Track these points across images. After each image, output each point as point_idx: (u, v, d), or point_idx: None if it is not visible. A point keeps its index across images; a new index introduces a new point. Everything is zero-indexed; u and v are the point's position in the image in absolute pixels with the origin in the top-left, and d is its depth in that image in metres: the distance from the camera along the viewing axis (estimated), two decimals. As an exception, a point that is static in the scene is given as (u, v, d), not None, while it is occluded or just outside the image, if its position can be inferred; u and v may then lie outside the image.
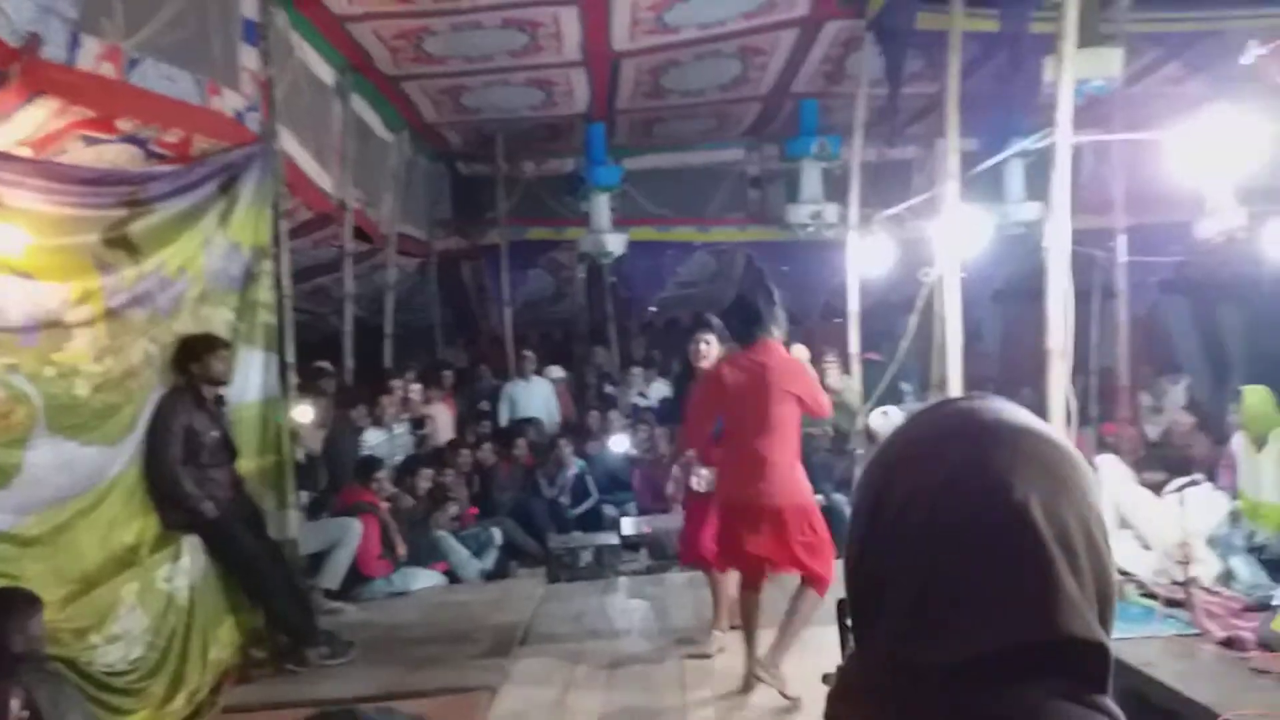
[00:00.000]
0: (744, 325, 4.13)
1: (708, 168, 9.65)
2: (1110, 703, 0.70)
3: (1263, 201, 7.46)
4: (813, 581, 4.08)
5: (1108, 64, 5.40)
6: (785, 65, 7.66)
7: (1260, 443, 4.88)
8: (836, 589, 3.75)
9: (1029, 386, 11.16)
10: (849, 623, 0.93)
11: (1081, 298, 4.52)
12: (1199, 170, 5.87)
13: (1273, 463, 4.72)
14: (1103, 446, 6.74)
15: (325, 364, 7.08)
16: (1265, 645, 3.70)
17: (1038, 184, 8.42)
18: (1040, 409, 10.35)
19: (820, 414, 4.33)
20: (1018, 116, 7.88)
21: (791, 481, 4.11)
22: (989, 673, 0.67)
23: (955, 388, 5.58)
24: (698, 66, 7.54)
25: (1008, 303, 10.53)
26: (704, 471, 4.48)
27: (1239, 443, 5.11)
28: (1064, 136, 4.00)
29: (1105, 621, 0.71)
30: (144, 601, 3.98)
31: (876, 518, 0.75)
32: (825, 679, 0.91)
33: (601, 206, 8.55)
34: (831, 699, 0.77)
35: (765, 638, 4.13)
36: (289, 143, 5.56)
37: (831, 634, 0.87)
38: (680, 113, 8.73)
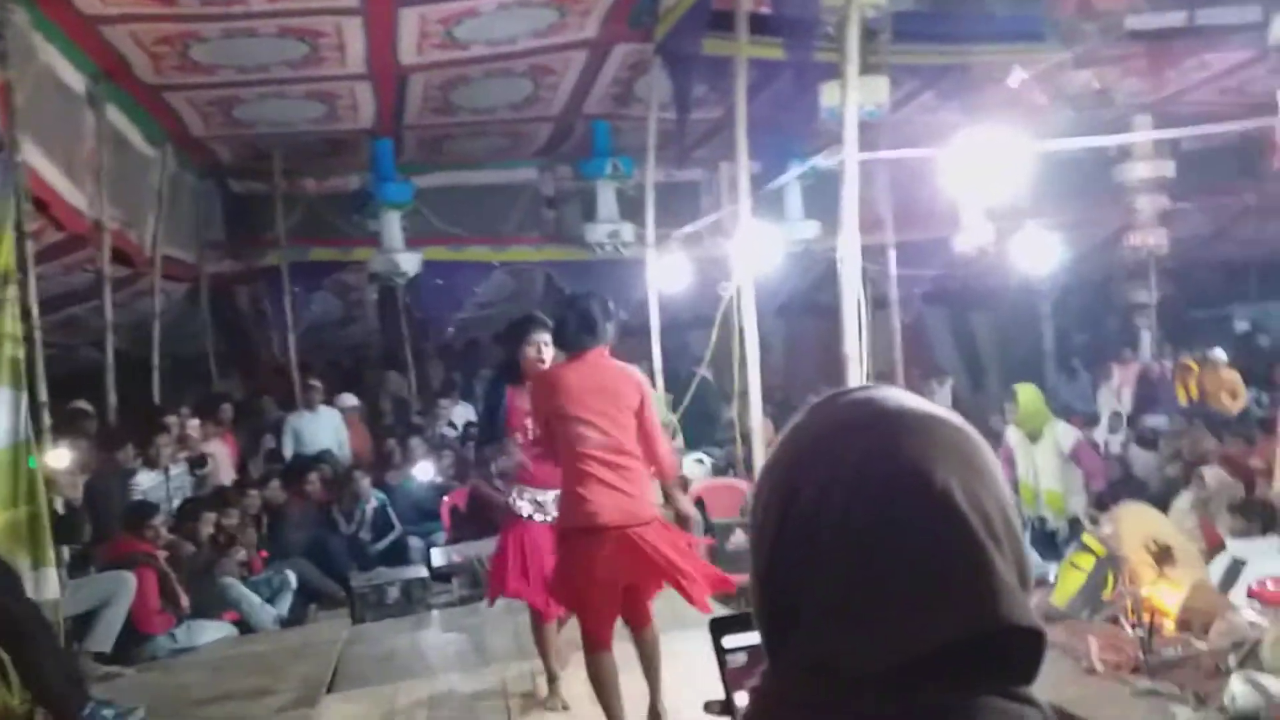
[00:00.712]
0: (578, 332, 3.58)
1: (502, 186, 9.53)
2: (1034, 694, 0.68)
3: (1007, 219, 8.32)
4: (690, 598, 3.50)
5: (877, 91, 5.81)
6: (576, 86, 7.71)
7: (1034, 436, 5.36)
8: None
9: (813, 392, 11.93)
10: (742, 642, 0.89)
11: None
12: (963, 187, 6.42)
13: (1049, 453, 5.20)
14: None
15: (82, 403, 6.37)
16: (1046, 619, 4.05)
17: (813, 204, 8.98)
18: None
19: (655, 445, 3.63)
20: (796, 140, 8.35)
21: (650, 495, 3.64)
22: (924, 673, 0.64)
23: (755, 396, 5.79)
24: (488, 84, 7.44)
25: (790, 316, 11.12)
26: (540, 496, 3.96)
27: (1013, 436, 5.60)
28: (851, 154, 4.24)
29: None
30: None
31: (784, 522, 0.70)
32: (708, 707, 0.88)
33: (393, 225, 8.24)
34: (747, 719, 0.73)
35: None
36: (33, 155, 4.96)
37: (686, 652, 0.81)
38: (471, 130, 8.59)
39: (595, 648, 3.49)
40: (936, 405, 0.74)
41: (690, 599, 3.50)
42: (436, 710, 4.37)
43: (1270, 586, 4.38)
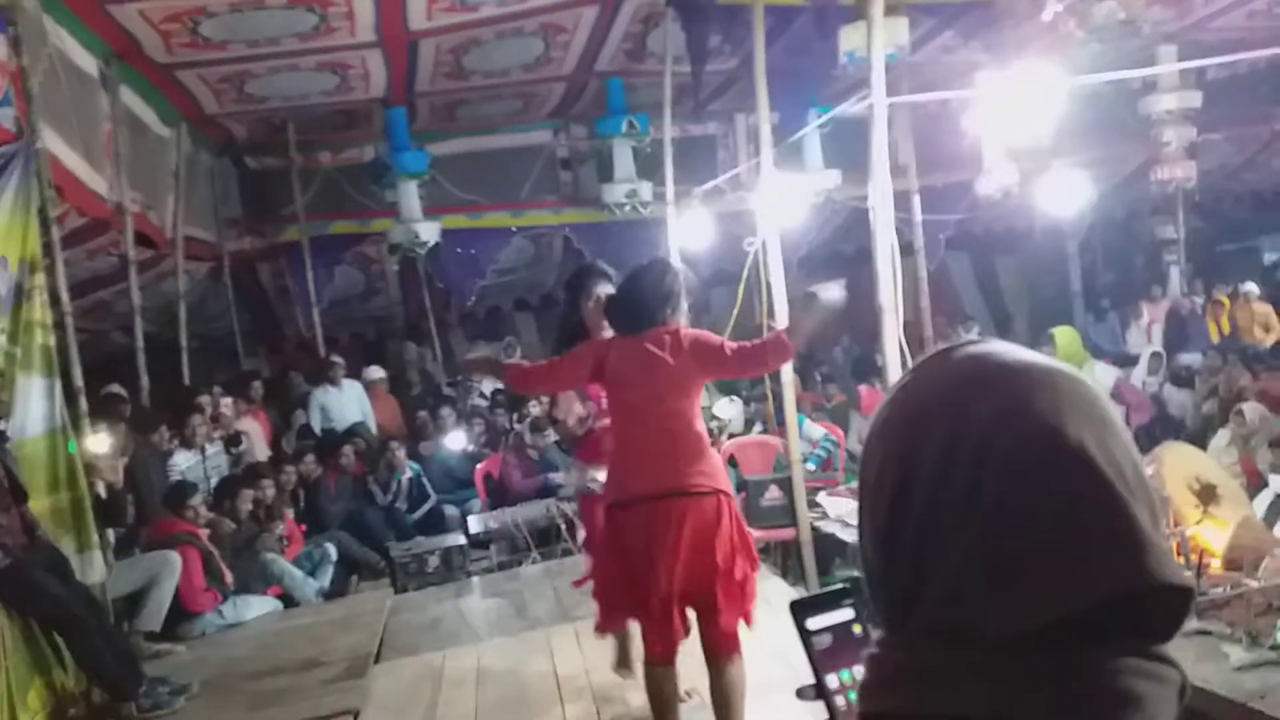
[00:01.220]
0: (626, 315, 3.16)
1: (516, 150, 9.43)
2: (1171, 654, 0.65)
3: (1031, 159, 8.16)
4: (726, 638, 3.01)
5: (897, 33, 5.67)
6: (588, 43, 7.58)
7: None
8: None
9: (841, 342, 11.85)
10: (827, 622, 0.87)
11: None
12: (988, 128, 6.29)
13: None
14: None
15: (115, 387, 6.42)
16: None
17: (832, 153, 8.85)
18: (863, 361, 10.86)
19: (747, 350, 3.09)
20: (813, 88, 8.21)
21: (712, 465, 3.11)
22: (1062, 636, 0.61)
23: (787, 352, 5.74)
24: (499, 45, 7.33)
25: (811, 269, 11.01)
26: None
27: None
28: (880, 99, 4.16)
29: None
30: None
31: (905, 485, 0.66)
32: (801, 694, 0.85)
33: (410, 194, 8.18)
34: (866, 692, 0.68)
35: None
36: (52, 141, 4.94)
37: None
38: (484, 94, 8.48)
39: (657, 660, 3.05)
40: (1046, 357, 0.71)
41: (712, 622, 3.00)
42: (485, 675, 4.41)
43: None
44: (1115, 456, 0.64)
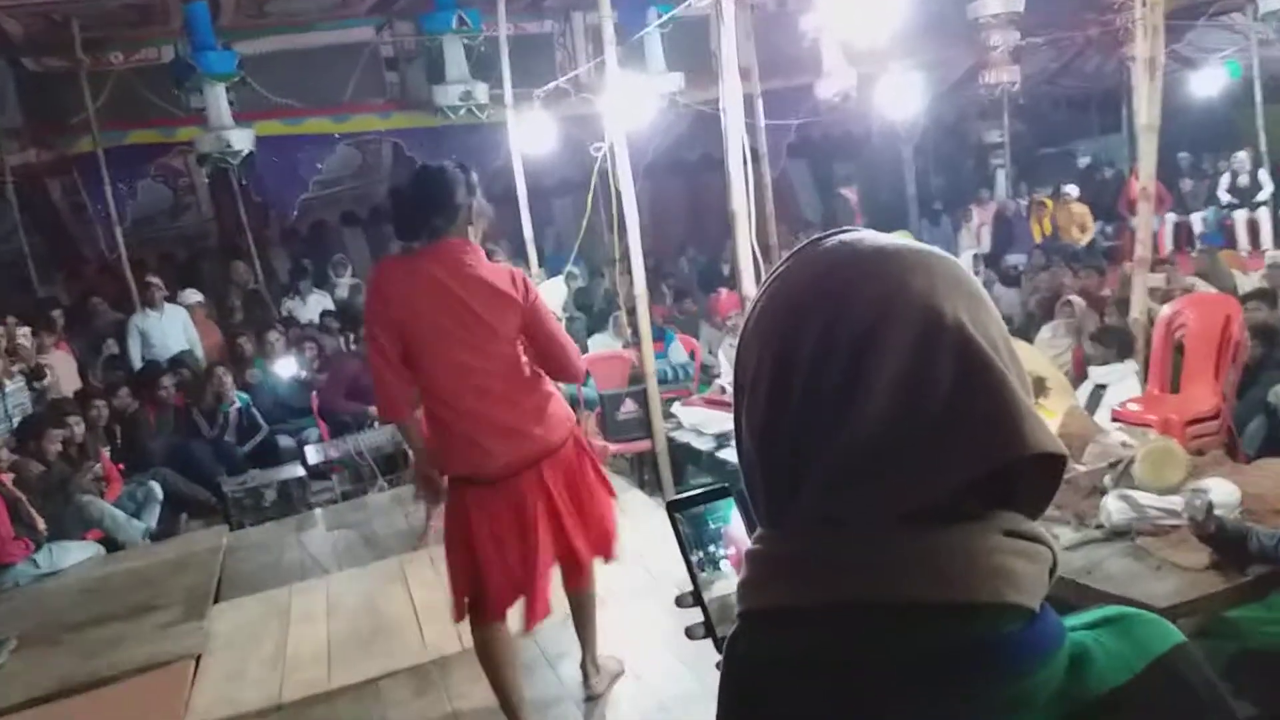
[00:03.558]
0: (416, 215, 2.68)
1: (336, 49, 8.70)
2: (1041, 531, 0.65)
3: (868, 63, 8.24)
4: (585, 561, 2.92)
5: (740, -73, 5.50)
6: (410, -72, 7.03)
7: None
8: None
9: (685, 253, 11.86)
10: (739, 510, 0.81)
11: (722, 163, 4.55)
12: (826, 29, 6.22)
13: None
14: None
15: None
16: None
17: (673, 55, 8.66)
18: (710, 270, 10.93)
19: (560, 354, 2.82)
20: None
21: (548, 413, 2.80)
22: (938, 517, 0.61)
23: (637, 261, 5.63)
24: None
25: (655, 176, 10.89)
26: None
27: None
28: (727, -4, 3.99)
29: None
30: None
31: (780, 379, 0.65)
32: (679, 601, 0.80)
33: (219, 99, 7.43)
34: (745, 589, 0.67)
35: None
36: None
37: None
38: (295, -14, 7.77)
39: (482, 618, 2.81)
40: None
41: (573, 562, 2.90)
42: (335, 607, 4.21)
43: (1131, 408, 4.65)
44: (990, 332, 0.64)
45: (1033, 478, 0.64)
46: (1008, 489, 0.63)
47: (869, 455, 0.61)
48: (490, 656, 2.84)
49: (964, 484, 0.61)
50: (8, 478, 5.13)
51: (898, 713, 0.59)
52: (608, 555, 2.96)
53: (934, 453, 0.61)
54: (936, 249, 0.69)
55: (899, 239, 0.69)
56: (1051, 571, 0.64)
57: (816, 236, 0.70)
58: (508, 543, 2.76)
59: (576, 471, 2.85)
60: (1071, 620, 0.65)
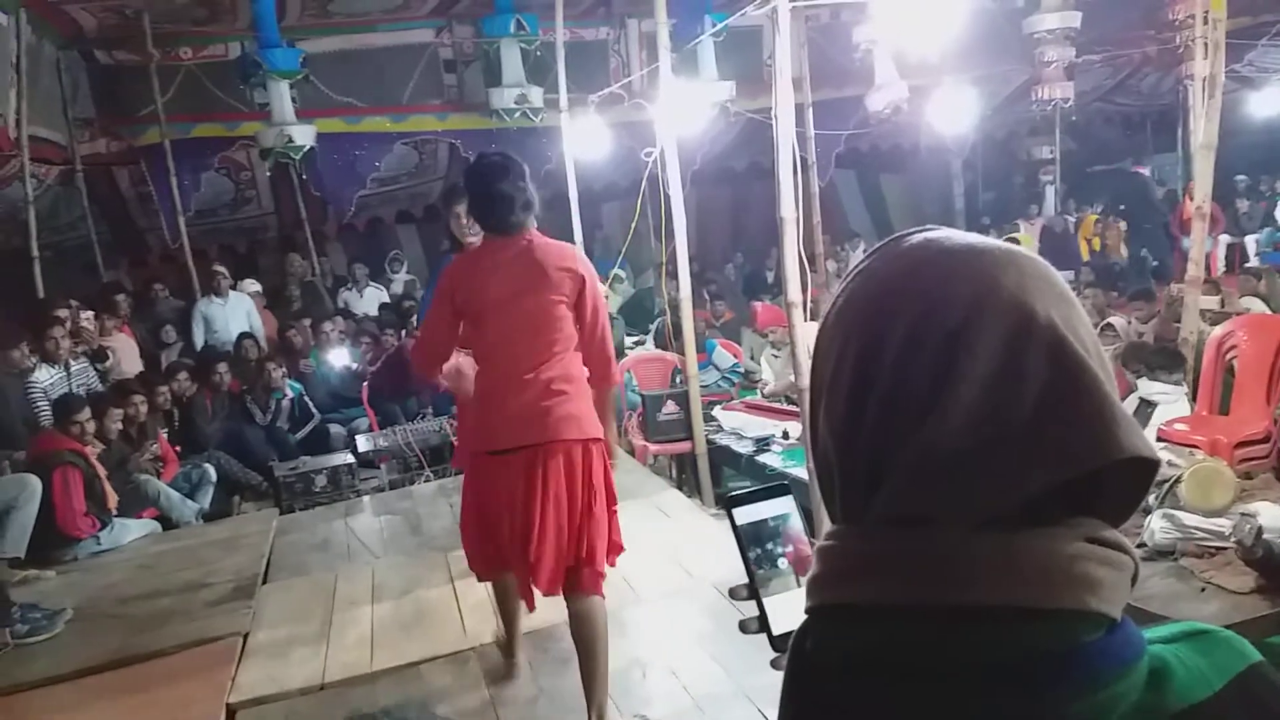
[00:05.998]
0: (495, 210, 2.85)
1: (396, 50, 8.90)
2: (1125, 539, 0.64)
3: (919, 76, 8.24)
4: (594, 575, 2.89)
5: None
6: (473, -65, 7.18)
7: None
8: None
9: (734, 260, 11.90)
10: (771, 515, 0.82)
11: (770, 172, 4.62)
12: (881, 40, 6.23)
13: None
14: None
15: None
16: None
17: (724, 64, 8.72)
18: (754, 278, 10.97)
19: (599, 345, 2.96)
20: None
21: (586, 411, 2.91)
22: (1022, 521, 0.59)
23: (683, 266, 5.70)
24: (377, -66, 6.86)
25: (701, 184, 10.96)
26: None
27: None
28: (784, 3, 4.05)
29: None
30: None
31: (863, 375, 0.64)
32: (734, 593, 0.81)
33: (282, 95, 7.64)
34: (817, 584, 0.65)
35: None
36: None
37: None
38: (359, -13, 7.96)
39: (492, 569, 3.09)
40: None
41: (581, 572, 2.86)
42: (380, 592, 4.32)
43: (1178, 428, 4.63)
44: (1081, 333, 0.63)
45: (1121, 483, 0.63)
46: (1093, 494, 0.62)
47: (954, 455, 0.60)
48: (500, 590, 3.21)
49: (1051, 487, 0.59)
50: (91, 451, 5.29)
51: (975, 717, 0.58)
52: (594, 562, 2.89)
53: (1022, 454, 0.59)
54: (1022, 248, 0.67)
55: (986, 238, 0.68)
56: (1133, 580, 0.62)
57: (897, 235, 0.69)
58: (514, 510, 2.85)
59: (581, 472, 2.88)
60: (1151, 633, 0.63)
